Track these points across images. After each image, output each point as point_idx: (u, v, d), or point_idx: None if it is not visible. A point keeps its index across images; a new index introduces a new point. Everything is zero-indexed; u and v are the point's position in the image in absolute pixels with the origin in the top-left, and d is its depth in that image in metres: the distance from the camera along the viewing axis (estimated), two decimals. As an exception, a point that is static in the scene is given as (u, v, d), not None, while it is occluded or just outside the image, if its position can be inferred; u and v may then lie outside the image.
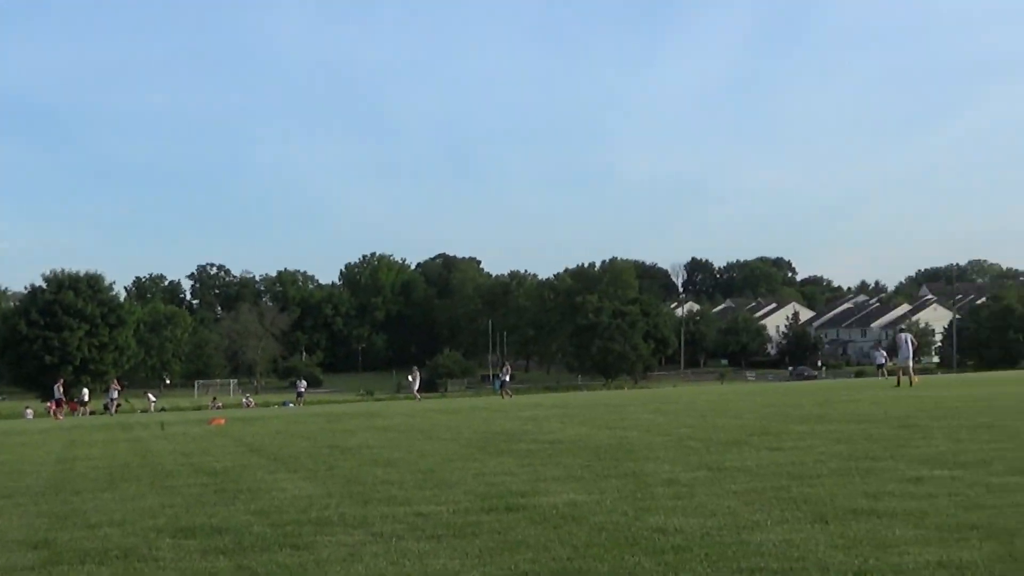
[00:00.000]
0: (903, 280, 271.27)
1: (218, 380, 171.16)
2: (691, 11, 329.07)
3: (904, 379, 43.87)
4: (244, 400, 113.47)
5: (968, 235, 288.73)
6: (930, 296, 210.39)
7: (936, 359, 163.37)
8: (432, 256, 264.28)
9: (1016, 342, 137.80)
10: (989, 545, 8.63)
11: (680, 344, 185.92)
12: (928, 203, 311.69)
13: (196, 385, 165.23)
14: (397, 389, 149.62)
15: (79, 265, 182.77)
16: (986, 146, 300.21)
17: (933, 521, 9.79)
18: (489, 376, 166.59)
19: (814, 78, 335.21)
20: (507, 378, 73.45)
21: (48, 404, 77.76)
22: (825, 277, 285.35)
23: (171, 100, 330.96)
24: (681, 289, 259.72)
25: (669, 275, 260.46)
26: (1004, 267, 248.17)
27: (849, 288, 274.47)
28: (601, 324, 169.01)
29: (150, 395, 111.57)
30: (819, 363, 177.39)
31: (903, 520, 9.87)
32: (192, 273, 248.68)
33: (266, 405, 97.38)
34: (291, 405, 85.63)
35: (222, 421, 35.36)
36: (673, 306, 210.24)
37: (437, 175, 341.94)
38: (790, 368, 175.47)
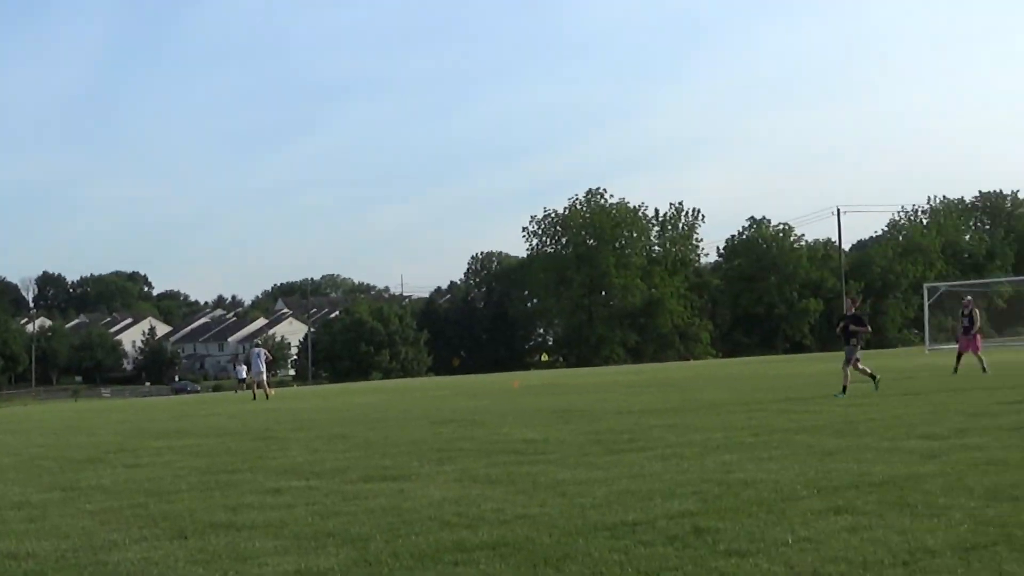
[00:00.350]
0: (259, 294, 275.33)
1: None
2: (43, 17, 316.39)
3: (260, 392, 44.60)
4: None
5: (322, 250, 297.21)
6: (286, 310, 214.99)
7: (293, 372, 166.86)
8: None
9: (368, 354, 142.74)
10: (345, 551, 8.90)
11: (31, 361, 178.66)
12: (283, 219, 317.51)
13: None
14: None
15: None
16: (336, 164, 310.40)
17: (291, 531, 9.98)
18: None
19: (169, 93, 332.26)
20: None
21: None
22: (182, 291, 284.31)
23: None
24: (32, 304, 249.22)
25: (19, 290, 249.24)
26: (356, 281, 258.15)
27: (207, 302, 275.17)
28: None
29: None
30: (176, 377, 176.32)
31: (262, 531, 10.00)
32: None
33: None
34: None
35: None
36: (23, 322, 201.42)
37: None
38: (148, 382, 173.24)
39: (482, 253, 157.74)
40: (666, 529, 9.09)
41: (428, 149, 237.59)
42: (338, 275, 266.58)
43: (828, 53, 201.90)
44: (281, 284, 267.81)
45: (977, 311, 33.15)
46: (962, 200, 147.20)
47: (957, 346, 33.53)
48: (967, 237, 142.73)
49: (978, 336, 32.74)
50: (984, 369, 31.06)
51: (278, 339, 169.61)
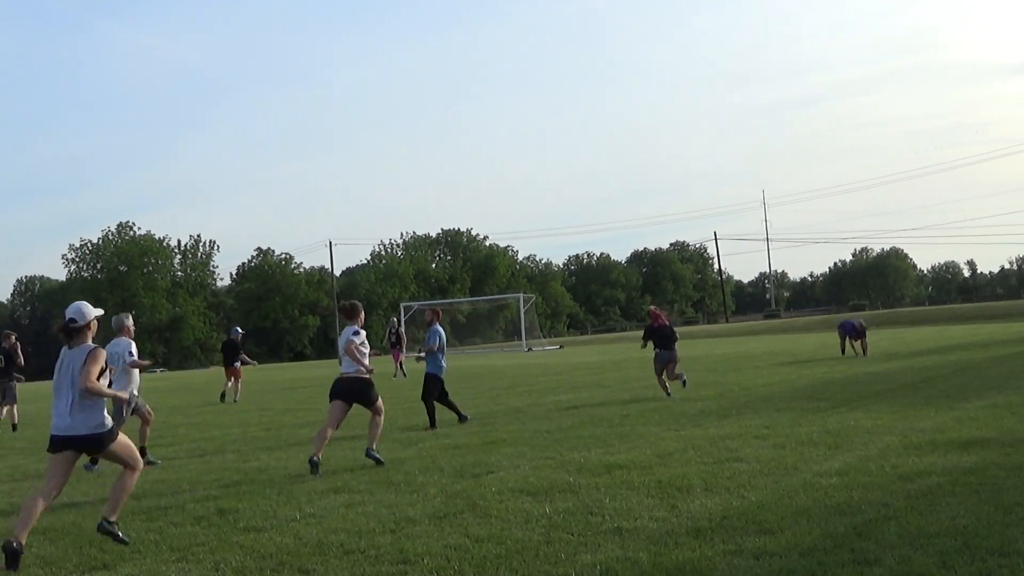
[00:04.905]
0: None
1: None
2: None
3: None
4: None
5: None
6: None
7: None
8: None
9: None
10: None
11: None
12: None
13: None
14: None
15: None
16: None
17: None
18: None
19: None
20: None
21: None
22: None
23: None
24: None
25: None
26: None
27: None
28: None
29: None
30: None
31: None
32: None
33: None
34: None
35: None
36: None
37: None
38: None
39: (26, 277, 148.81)
40: (194, 511, 8.93)
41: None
42: None
43: (315, 112, 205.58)
44: None
45: (403, 328, 33.99)
46: (428, 235, 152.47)
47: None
48: (433, 265, 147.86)
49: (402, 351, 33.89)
50: (404, 375, 32.81)
51: None
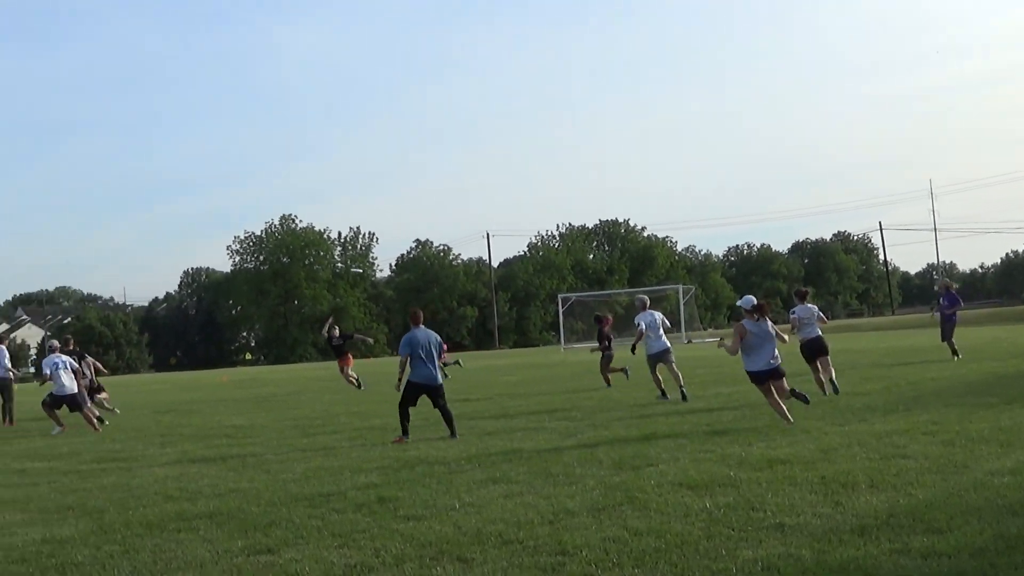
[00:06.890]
0: (2, 303, 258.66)
1: None
2: None
3: None
4: None
5: (55, 264, 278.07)
6: (24, 316, 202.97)
7: (33, 370, 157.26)
8: None
9: (97, 355, 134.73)
10: (84, 522, 8.59)
11: None
12: (20, 237, 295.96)
13: None
14: None
15: None
16: (62, 191, 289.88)
17: (36, 505, 9.64)
18: None
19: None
20: None
21: None
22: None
23: None
24: None
25: None
26: (86, 292, 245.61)
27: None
28: None
29: None
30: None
31: (10, 506, 9.63)
32: None
33: None
34: None
35: None
36: None
37: None
38: None
39: (193, 268, 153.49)
40: (355, 498, 9.08)
41: (141, 178, 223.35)
42: (70, 287, 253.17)
43: (472, 106, 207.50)
44: (21, 294, 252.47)
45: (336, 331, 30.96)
46: (585, 226, 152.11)
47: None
48: (591, 256, 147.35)
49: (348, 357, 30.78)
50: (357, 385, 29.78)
51: (18, 341, 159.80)
